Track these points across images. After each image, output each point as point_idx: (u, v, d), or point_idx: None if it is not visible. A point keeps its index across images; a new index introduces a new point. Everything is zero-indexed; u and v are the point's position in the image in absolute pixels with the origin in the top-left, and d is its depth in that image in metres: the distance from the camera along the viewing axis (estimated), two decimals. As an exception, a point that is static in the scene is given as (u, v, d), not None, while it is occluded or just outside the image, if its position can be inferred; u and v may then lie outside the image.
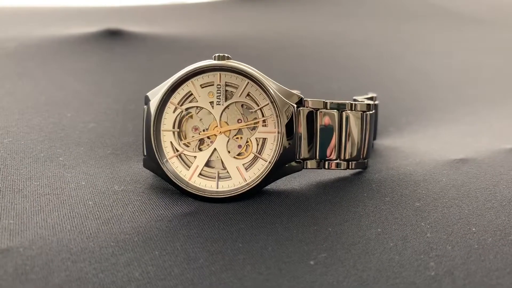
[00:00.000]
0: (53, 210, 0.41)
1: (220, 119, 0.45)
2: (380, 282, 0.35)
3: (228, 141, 0.45)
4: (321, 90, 0.70)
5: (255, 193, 0.45)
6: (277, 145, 0.45)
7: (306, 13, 1.01)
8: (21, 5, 0.97)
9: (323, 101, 0.46)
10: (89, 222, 0.39)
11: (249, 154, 0.45)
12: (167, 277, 0.34)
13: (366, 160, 0.49)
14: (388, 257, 0.37)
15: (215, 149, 0.45)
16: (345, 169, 0.48)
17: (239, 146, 0.45)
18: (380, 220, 0.42)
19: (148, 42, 0.79)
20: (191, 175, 0.45)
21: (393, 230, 0.40)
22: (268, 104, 0.45)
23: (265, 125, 0.45)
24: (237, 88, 0.45)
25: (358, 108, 0.47)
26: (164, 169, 0.45)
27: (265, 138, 0.45)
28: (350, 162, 0.48)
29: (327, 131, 0.46)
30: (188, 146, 0.46)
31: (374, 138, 0.55)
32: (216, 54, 0.45)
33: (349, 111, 0.47)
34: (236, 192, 0.44)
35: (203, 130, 0.45)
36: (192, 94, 0.45)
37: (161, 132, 0.45)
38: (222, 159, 0.45)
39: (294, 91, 0.46)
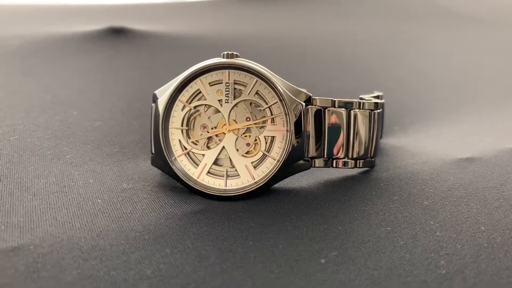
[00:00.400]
0: (62, 207, 0.40)
1: (228, 117, 0.45)
2: (392, 280, 0.35)
3: (236, 139, 0.45)
4: (323, 89, 0.70)
5: (263, 192, 0.45)
6: (285, 143, 0.45)
7: (308, 12, 1.01)
8: (23, 3, 0.97)
9: (331, 100, 0.46)
10: (98, 220, 0.39)
11: (258, 152, 0.45)
12: (179, 275, 0.34)
13: (373, 159, 0.49)
14: (398, 255, 0.37)
15: (223, 147, 0.45)
16: (353, 167, 0.48)
17: (248, 144, 0.45)
18: (389, 219, 0.42)
19: (151, 40, 0.78)
20: (200, 173, 0.45)
21: (403, 229, 0.40)
22: (276, 102, 0.45)
23: (274, 123, 0.45)
24: (245, 86, 0.45)
25: (366, 107, 0.47)
26: (173, 167, 0.45)
27: (273, 136, 0.45)
28: (357, 161, 0.48)
29: (335, 129, 0.46)
30: (196, 144, 0.46)
31: (381, 137, 0.55)
32: (225, 52, 0.45)
33: (357, 110, 0.47)
34: (244, 190, 0.44)
35: (212, 128, 0.45)
36: (200, 92, 0.45)
37: (170, 130, 0.45)
38: (230, 157, 0.45)
39: (302, 89, 0.46)
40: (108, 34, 0.78)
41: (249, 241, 0.38)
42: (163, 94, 0.46)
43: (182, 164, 0.45)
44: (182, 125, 0.45)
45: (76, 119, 0.55)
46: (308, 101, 0.45)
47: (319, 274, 0.35)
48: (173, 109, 0.45)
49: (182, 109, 0.45)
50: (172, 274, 0.34)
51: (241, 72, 0.45)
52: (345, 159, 0.47)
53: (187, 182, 0.45)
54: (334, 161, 0.47)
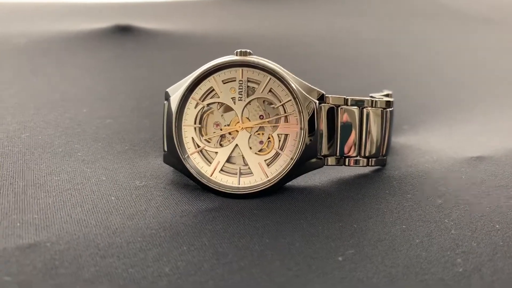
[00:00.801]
0: (76, 205, 0.40)
1: (241, 115, 0.45)
2: (410, 278, 0.35)
3: (249, 137, 0.45)
4: (331, 88, 0.69)
5: (276, 190, 0.45)
6: (299, 141, 0.44)
7: (314, 10, 1.00)
8: (28, 1, 0.97)
9: (344, 98, 0.46)
10: (113, 217, 0.39)
11: (271, 150, 0.45)
12: (198, 273, 0.34)
13: (385, 157, 0.49)
14: (415, 253, 0.37)
15: (236, 145, 0.45)
16: (365, 166, 0.48)
17: (261, 142, 0.45)
18: (404, 217, 0.42)
19: (158, 38, 0.78)
20: (213, 171, 0.45)
21: (418, 227, 0.40)
22: (290, 100, 0.45)
23: (287, 121, 0.45)
24: (259, 84, 0.45)
25: (378, 105, 0.47)
26: (186, 164, 0.45)
27: (287, 134, 0.45)
28: (370, 159, 0.48)
29: (348, 127, 0.46)
30: (209, 142, 0.45)
31: (391, 135, 0.55)
32: (238, 50, 0.45)
33: (369, 108, 0.47)
34: (257, 188, 0.44)
35: (225, 126, 0.45)
36: (213, 89, 0.45)
37: (183, 127, 0.45)
38: (243, 155, 0.45)
39: (315, 87, 0.46)
40: (114, 32, 0.78)
41: (265, 239, 0.38)
42: (176, 92, 0.45)
43: (195, 162, 0.45)
44: (195, 123, 0.45)
45: (86, 117, 0.55)
46: (321, 99, 0.45)
47: (337, 272, 0.35)
48: (186, 107, 0.45)
49: (195, 107, 0.45)
50: (190, 271, 0.34)
51: (254, 69, 0.45)
52: (357, 157, 0.47)
53: (200, 180, 0.44)
54: (347, 159, 0.47)
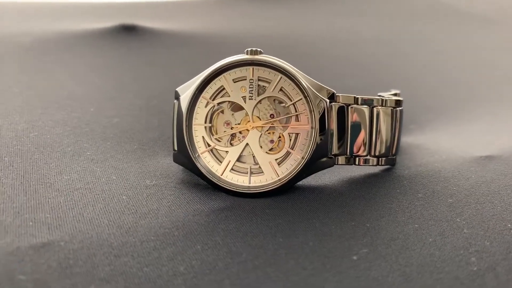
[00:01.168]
0: (88, 204, 0.40)
1: (252, 114, 0.45)
2: (424, 277, 0.35)
3: (260, 136, 0.45)
4: (337, 87, 0.70)
5: (287, 189, 0.45)
6: (310, 140, 0.44)
7: (320, 10, 1.00)
8: (33, 0, 0.96)
9: (354, 96, 0.46)
10: (125, 217, 0.39)
11: (282, 149, 0.45)
12: (213, 272, 0.34)
13: (395, 157, 0.49)
14: (428, 252, 0.37)
15: (247, 144, 0.45)
16: (375, 165, 0.48)
17: (271, 141, 0.45)
18: (416, 216, 0.41)
19: (163, 38, 0.78)
20: (223, 170, 0.45)
21: (430, 226, 0.40)
22: (301, 99, 0.45)
23: (298, 120, 0.45)
24: (269, 82, 0.45)
25: (388, 104, 0.47)
26: (196, 164, 0.45)
27: (297, 133, 0.45)
28: (380, 159, 0.48)
29: (358, 127, 0.46)
30: (220, 141, 0.45)
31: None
32: (248, 49, 0.45)
33: (379, 107, 0.47)
34: (268, 188, 0.44)
35: (235, 125, 0.45)
36: (224, 88, 0.45)
37: (193, 126, 0.45)
38: (254, 154, 0.45)
39: (325, 86, 0.46)
40: (119, 32, 0.78)
41: (279, 238, 0.38)
42: (186, 91, 0.45)
43: (206, 161, 0.45)
44: (205, 122, 0.45)
45: (93, 116, 0.55)
46: (332, 97, 0.45)
47: (352, 271, 0.35)
48: (197, 106, 0.45)
49: (206, 106, 0.45)
50: (205, 270, 0.34)
51: (265, 68, 0.45)
52: (367, 157, 0.47)
53: (211, 179, 0.44)
54: (357, 158, 0.47)
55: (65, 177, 0.44)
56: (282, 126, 0.45)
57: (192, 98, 0.45)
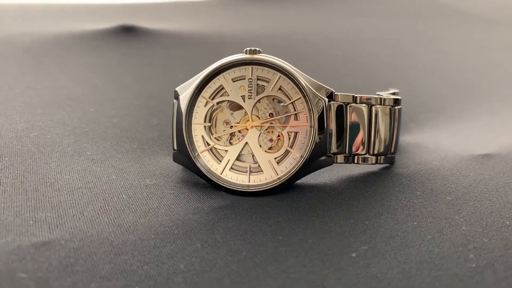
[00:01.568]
0: (88, 203, 0.40)
1: (251, 113, 0.45)
2: (423, 274, 0.35)
3: (259, 135, 0.45)
4: (336, 87, 0.70)
5: (286, 187, 0.45)
6: (309, 139, 0.45)
7: (318, 10, 1.01)
8: (33, 2, 0.97)
9: (353, 95, 0.46)
10: (125, 215, 0.39)
11: (281, 148, 0.45)
12: (213, 269, 0.34)
13: (393, 155, 0.50)
14: (427, 249, 0.37)
15: (246, 143, 0.45)
16: (374, 163, 0.48)
17: (271, 140, 0.45)
18: (414, 214, 0.42)
19: (162, 39, 0.78)
20: (223, 169, 0.45)
21: (429, 223, 0.40)
22: (300, 98, 0.45)
23: (297, 119, 0.45)
24: (268, 82, 0.45)
25: (386, 103, 0.47)
26: (196, 163, 0.45)
27: (296, 132, 0.45)
28: (378, 157, 0.48)
29: (357, 125, 0.46)
30: (219, 140, 0.46)
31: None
32: (247, 48, 0.45)
33: (378, 106, 0.47)
34: (267, 186, 0.44)
35: (235, 124, 0.45)
36: (223, 88, 0.45)
37: (193, 126, 0.45)
38: (253, 153, 0.45)
39: (324, 85, 0.46)
40: (119, 33, 0.78)
41: (279, 236, 0.38)
42: (185, 90, 0.45)
43: (205, 160, 0.45)
44: (205, 121, 0.45)
45: (93, 116, 0.55)
46: (330, 96, 0.45)
47: (351, 268, 0.35)
48: (196, 105, 0.45)
49: (205, 105, 0.45)
50: (205, 268, 0.34)
51: (264, 68, 0.45)
52: (366, 155, 0.47)
53: (211, 178, 0.45)
54: (355, 157, 0.47)
55: (65, 176, 0.44)
56: (281, 125, 0.45)
57: (191, 98, 0.45)
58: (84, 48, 0.72)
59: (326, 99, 0.45)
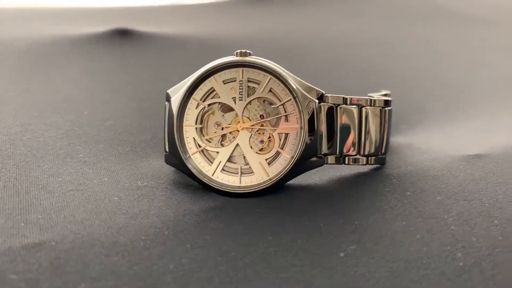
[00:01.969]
0: (79, 205, 0.41)
1: (242, 115, 0.46)
2: (411, 273, 0.35)
3: (250, 137, 0.46)
4: (329, 89, 0.70)
5: (277, 188, 0.45)
6: (299, 140, 0.45)
7: (312, 12, 1.01)
8: (28, 5, 0.97)
9: (343, 97, 0.47)
10: (116, 217, 0.40)
11: (272, 150, 0.46)
12: (202, 269, 0.34)
13: (384, 156, 0.50)
14: (416, 248, 0.38)
15: (237, 144, 0.46)
16: (365, 164, 0.48)
17: (262, 142, 0.46)
18: (404, 214, 0.42)
19: (157, 42, 0.79)
20: (214, 171, 0.45)
21: (418, 223, 0.41)
22: (290, 99, 0.45)
23: (288, 120, 0.45)
24: (259, 83, 0.45)
25: (377, 104, 0.48)
26: (187, 164, 0.45)
27: (287, 134, 0.45)
28: (369, 158, 0.48)
29: (348, 127, 0.47)
30: (210, 142, 0.46)
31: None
32: (238, 51, 0.45)
33: (368, 107, 0.47)
34: (259, 187, 0.45)
35: (226, 126, 0.46)
36: (214, 90, 0.46)
37: (184, 128, 0.46)
38: (244, 155, 0.46)
39: (314, 87, 0.46)
40: (114, 36, 0.78)
41: (268, 236, 0.38)
42: (177, 93, 0.46)
43: (197, 161, 0.45)
44: (196, 123, 0.46)
45: (87, 119, 0.56)
46: (321, 98, 0.46)
47: (339, 267, 0.35)
48: (187, 107, 0.46)
49: (196, 107, 0.46)
50: (195, 268, 0.34)
51: (254, 70, 0.45)
52: (357, 156, 0.48)
53: (202, 180, 0.45)
54: (346, 158, 0.48)
55: (57, 179, 0.44)
56: (272, 126, 0.46)
57: (182, 100, 0.45)
58: (79, 52, 0.73)
59: (317, 101, 0.45)
